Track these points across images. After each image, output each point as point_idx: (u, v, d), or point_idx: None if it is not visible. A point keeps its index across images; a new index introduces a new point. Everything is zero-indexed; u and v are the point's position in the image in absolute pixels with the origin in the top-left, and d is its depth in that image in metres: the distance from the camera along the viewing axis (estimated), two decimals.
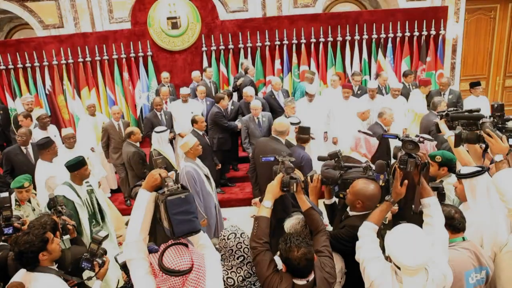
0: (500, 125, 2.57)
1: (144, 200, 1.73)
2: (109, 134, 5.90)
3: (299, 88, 6.91)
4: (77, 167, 3.56)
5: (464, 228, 2.19)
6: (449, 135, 2.95)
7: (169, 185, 1.66)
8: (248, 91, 6.11)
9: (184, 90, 6.23)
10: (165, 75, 7.03)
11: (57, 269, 2.27)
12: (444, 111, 3.03)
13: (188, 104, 6.25)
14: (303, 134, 4.02)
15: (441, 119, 3.01)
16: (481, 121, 2.53)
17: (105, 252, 2.46)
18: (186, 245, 1.73)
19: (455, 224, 2.16)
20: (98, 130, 6.22)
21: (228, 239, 2.15)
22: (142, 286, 1.67)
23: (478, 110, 2.92)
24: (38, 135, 5.45)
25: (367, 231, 2.04)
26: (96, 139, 6.19)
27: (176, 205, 1.59)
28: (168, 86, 6.95)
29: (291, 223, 2.38)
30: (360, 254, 1.99)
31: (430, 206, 2.08)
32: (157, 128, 4.59)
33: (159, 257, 1.66)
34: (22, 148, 4.96)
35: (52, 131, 5.85)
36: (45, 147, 4.28)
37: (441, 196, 2.54)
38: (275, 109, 6.31)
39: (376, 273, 1.87)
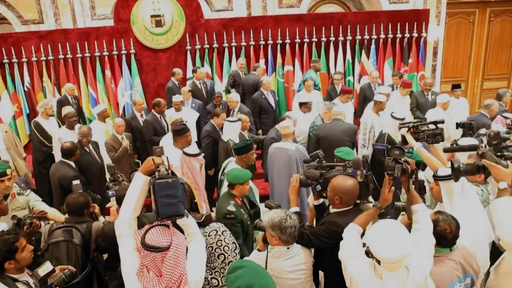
0: (499, 154, 2.39)
1: (139, 182, 1.87)
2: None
3: (308, 75, 6.68)
4: (244, 150, 3.50)
5: (453, 244, 2.10)
6: (417, 146, 3.00)
7: (161, 170, 1.79)
8: (234, 97, 5.95)
9: (176, 98, 5.84)
10: (177, 70, 6.86)
11: (25, 281, 2.15)
12: (410, 122, 3.04)
13: (181, 113, 5.74)
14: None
15: (407, 131, 3.00)
16: (480, 152, 2.39)
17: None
18: (168, 226, 1.82)
19: (444, 243, 2.08)
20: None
21: (209, 236, 2.13)
22: (129, 260, 1.81)
23: (442, 122, 2.99)
24: (64, 134, 5.09)
25: (351, 232, 2.08)
26: None
27: (163, 188, 1.71)
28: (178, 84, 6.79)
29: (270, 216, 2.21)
30: (343, 254, 2.03)
31: (418, 212, 2.12)
32: (230, 118, 4.32)
33: (143, 235, 1.77)
34: (86, 148, 4.60)
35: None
36: (180, 134, 4.05)
37: (422, 189, 2.53)
38: (265, 109, 6.23)
39: (356, 269, 1.90)
